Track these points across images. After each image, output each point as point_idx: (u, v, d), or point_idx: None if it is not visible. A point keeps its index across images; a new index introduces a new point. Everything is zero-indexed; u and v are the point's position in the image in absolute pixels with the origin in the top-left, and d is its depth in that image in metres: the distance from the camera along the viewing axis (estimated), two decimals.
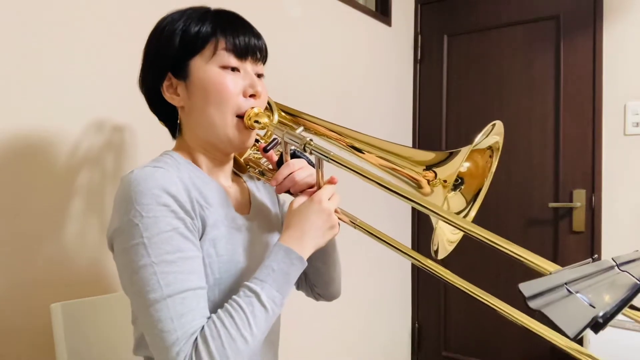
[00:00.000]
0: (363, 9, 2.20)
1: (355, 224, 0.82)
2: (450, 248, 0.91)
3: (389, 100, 2.42)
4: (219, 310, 0.71)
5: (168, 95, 0.84)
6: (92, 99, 1.17)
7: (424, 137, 2.61)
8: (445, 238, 0.89)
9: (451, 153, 0.84)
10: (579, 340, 1.98)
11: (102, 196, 1.19)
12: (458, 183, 0.89)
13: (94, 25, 1.17)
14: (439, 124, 2.56)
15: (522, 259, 0.65)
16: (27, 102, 1.06)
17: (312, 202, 0.80)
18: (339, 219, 0.83)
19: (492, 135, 0.88)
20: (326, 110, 1.96)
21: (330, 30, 2.01)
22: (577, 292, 0.51)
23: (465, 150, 0.82)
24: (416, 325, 2.61)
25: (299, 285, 1.04)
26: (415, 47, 2.61)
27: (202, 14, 0.82)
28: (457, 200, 0.90)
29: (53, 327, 0.99)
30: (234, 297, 0.72)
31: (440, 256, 0.89)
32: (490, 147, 0.90)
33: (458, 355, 2.49)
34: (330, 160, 0.79)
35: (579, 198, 2.16)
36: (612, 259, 0.58)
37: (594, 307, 0.49)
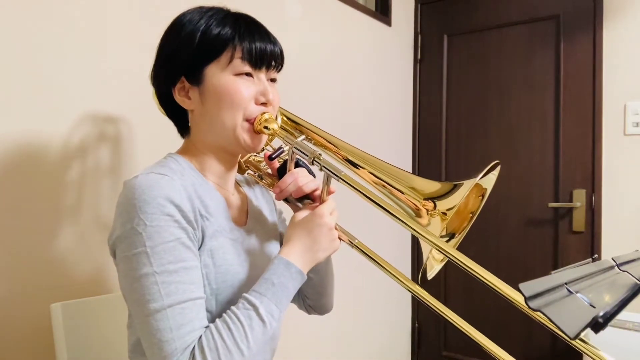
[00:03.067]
0: (363, 9, 2.20)
1: (353, 243, 0.83)
2: (437, 266, 0.91)
3: (389, 100, 2.42)
4: (217, 321, 0.71)
5: (179, 98, 0.83)
6: (91, 98, 1.17)
7: (424, 137, 2.61)
8: (431, 256, 0.89)
9: (455, 185, 0.84)
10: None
11: (101, 194, 1.19)
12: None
13: (91, 21, 1.17)
14: (439, 124, 2.56)
15: (499, 290, 0.66)
16: (26, 103, 1.06)
17: (314, 216, 0.81)
18: (338, 236, 0.84)
19: (491, 174, 0.89)
20: (326, 111, 1.96)
21: (330, 30, 2.01)
22: (577, 292, 0.51)
23: (468, 185, 0.82)
24: (416, 325, 2.61)
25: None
26: (415, 47, 2.61)
27: (223, 16, 0.81)
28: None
29: (53, 327, 0.99)
30: (233, 308, 0.72)
31: (430, 276, 0.90)
32: (482, 195, 0.91)
33: (458, 355, 2.49)
34: (340, 180, 0.81)
35: (579, 198, 2.16)
36: (612, 259, 0.58)
37: (594, 307, 0.49)
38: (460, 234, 0.91)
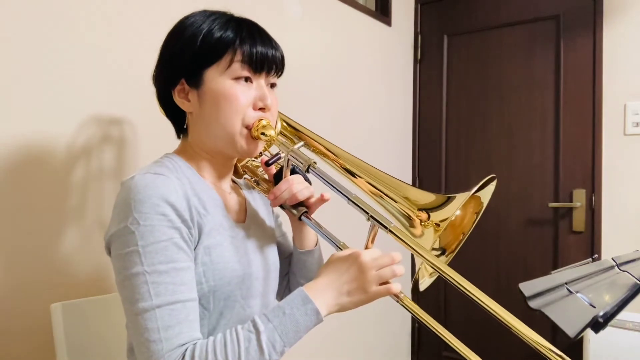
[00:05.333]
0: (363, 9, 2.20)
1: (399, 297, 0.77)
2: (428, 279, 0.91)
3: (389, 100, 2.42)
4: (219, 334, 0.70)
5: (178, 100, 0.84)
6: (93, 97, 1.17)
7: (424, 137, 2.61)
8: (423, 267, 0.89)
9: (449, 198, 0.84)
10: (579, 340, 1.98)
11: (103, 196, 1.19)
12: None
13: (97, 23, 1.17)
14: (439, 124, 2.56)
15: (490, 309, 0.66)
16: (27, 102, 1.06)
17: (349, 255, 0.76)
18: (392, 294, 0.75)
19: (490, 185, 0.88)
20: (325, 111, 1.96)
21: (330, 30, 2.01)
22: (577, 291, 0.51)
23: (461, 198, 0.83)
24: (416, 325, 2.61)
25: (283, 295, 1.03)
26: (415, 47, 2.61)
27: (225, 21, 0.82)
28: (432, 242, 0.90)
29: (53, 327, 0.99)
30: (237, 326, 0.71)
31: (422, 288, 0.89)
32: (477, 212, 0.90)
33: (458, 355, 2.48)
34: (335, 190, 0.81)
35: (579, 198, 2.16)
36: (612, 259, 0.58)
37: (594, 307, 0.49)
38: (451, 253, 0.91)
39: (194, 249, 0.76)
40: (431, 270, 0.90)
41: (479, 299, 0.67)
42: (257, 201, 0.99)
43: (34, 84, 1.06)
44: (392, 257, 0.76)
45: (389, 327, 2.45)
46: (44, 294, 1.07)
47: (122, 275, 0.71)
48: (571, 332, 0.47)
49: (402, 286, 0.77)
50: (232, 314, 0.81)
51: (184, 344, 0.69)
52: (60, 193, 1.12)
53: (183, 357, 0.68)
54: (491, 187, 0.88)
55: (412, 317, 2.62)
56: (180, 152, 0.88)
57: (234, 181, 0.98)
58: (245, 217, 0.91)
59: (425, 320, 0.74)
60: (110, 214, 0.77)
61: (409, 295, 0.81)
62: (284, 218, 1.02)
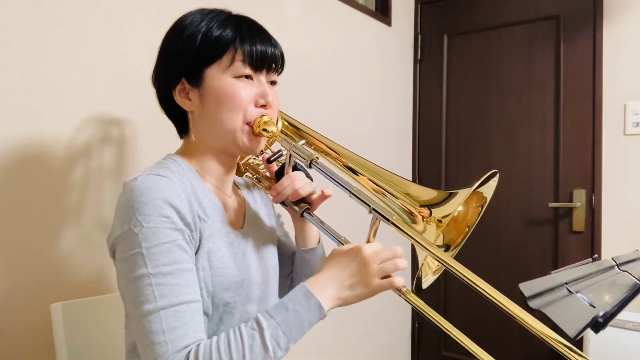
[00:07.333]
0: (363, 9, 2.20)
1: (401, 291, 0.76)
2: (431, 277, 0.91)
3: (389, 100, 2.42)
4: (222, 334, 0.70)
5: (179, 99, 0.84)
6: (93, 97, 1.17)
7: (424, 137, 2.61)
8: (426, 264, 0.89)
9: (450, 194, 0.84)
10: (579, 340, 1.98)
11: (103, 196, 1.19)
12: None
13: (98, 23, 1.17)
14: (439, 124, 2.56)
15: (497, 302, 0.66)
16: (27, 102, 1.06)
17: (351, 249, 0.76)
18: (393, 287, 0.75)
19: (491, 181, 0.88)
20: (325, 111, 1.96)
21: (330, 31, 2.01)
22: (577, 291, 0.51)
23: (463, 193, 0.83)
24: (416, 325, 2.61)
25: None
26: (415, 47, 2.61)
27: (224, 19, 0.82)
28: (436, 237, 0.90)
29: (53, 327, 0.99)
30: (241, 325, 0.71)
31: (424, 285, 0.89)
32: (481, 206, 0.90)
33: (458, 355, 2.49)
34: (337, 184, 0.81)
35: (579, 198, 2.16)
36: (612, 259, 0.58)
37: (594, 307, 0.49)
38: (455, 247, 0.91)
39: (195, 254, 0.76)
40: (435, 267, 0.90)
41: (485, 291, 0.67)
42: (258, 202, 0.98)
43: (33, 83, 1.06)
44: (394, 250, 0.76)
45: (389, 326, 2.45)
46: (44, 294, 1.07)
47: (126, 277, 0.71)
48: (571, 332, 0.47)
49: (404, 280, 0.77)
50: (232, 320, 0.81)
51: (189, 345, 0.69)
52: (60, 193, 1.12)
53: (187, 358, 0.67)
54: (493, 183, 0.88)
55: (412, 318, 2.62)
56: (182, 152, 0.87)
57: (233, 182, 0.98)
58: (244, 222, 0.91)
59: (429, 314, 0.74)
60: (110, 213, 0.76)
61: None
62: (286, 218, 1.02)
